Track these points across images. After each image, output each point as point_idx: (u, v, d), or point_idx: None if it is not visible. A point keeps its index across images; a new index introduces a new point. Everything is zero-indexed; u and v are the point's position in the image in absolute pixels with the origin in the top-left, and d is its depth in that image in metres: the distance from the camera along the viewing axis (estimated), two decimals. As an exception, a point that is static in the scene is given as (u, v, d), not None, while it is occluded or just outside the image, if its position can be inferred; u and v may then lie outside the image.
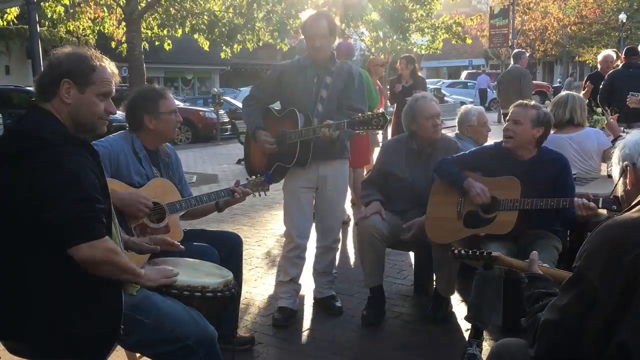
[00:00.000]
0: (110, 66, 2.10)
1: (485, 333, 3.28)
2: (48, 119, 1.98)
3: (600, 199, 2.85)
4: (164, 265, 2.35)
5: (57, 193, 1.85)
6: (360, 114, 3.38)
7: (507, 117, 3.34)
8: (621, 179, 1.78)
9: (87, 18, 11.11)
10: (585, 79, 7.98)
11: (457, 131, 4.68)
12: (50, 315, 1.92)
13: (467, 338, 3.44)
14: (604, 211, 3.07)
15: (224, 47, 11.15)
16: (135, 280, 2.10)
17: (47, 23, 10.79)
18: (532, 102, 3.39)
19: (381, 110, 3.66)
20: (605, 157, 4.16)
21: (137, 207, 2.83)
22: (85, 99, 2.02)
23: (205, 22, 10.95)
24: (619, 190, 1.81)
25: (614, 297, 1.48)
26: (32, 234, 1.89)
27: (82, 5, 11.00)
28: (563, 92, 4.43)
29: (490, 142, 3.69)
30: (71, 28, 11.12)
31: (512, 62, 9.45)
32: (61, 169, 1.87)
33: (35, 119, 1.98)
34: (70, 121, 2.02)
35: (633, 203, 1.65)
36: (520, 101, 3.41)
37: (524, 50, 10.37)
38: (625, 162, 1.76)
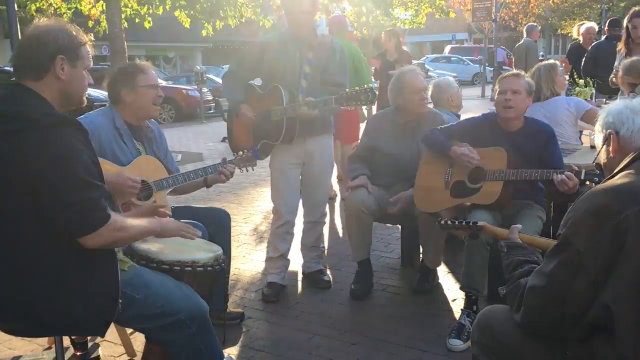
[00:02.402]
0: (88, 39, 2.10)
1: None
2: (35, 98, 1.95)
3: (583, 170, 2.89)
4: (154, 239, 2.37)
5: (53, 184, 1.84)
6: (348, 90, 3.37)
7: (501, 88, 3.35)
8: (604, 146, 1.81)
9: None
10: (567, 53, 8.07)
11: (434, 106, 4.61)
12: (49, 294, 1.92)
13: (453, 308, 3.51)
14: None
15: (205, 24, 11.02)
16: (157, 235, 2.23)
17: (20, 2, 10.55)
18: (520, 72, 3.47)
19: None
20: (588, 119, 4.10)
21: (125, 188, 2.80)
22: (77, 74, 2.03)
23: (186, -2, 10.81)
24: (602, 158, 1.84)
25: (599, 262, 1.53)
26: (27, 215, 1.88)
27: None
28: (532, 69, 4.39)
29: (477, 114, 3.72)
30: (44, 6, 10.90)
31: (524, 36, 9.86)
32: (53, 156, 1.84)
33: (22, 99, 1.95)
34: (60, 97, 2.01)
35: (616, 170, 1.68)
36: (511, 72, 3.46)
37: (535, 24, 10.83)
38: (609, 130, 1.79)
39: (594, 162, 1.90)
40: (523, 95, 3.31)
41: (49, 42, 1.96)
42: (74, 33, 2.02)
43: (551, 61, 4.48)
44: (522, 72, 3.47)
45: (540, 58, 10.72)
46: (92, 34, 2.15)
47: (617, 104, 1.82)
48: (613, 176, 1.66)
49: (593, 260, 1.53)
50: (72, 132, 1.92)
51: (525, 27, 10.21)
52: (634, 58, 4.77)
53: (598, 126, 1.85)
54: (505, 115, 3.33)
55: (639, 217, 1.49)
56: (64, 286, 1.93)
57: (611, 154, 1.79)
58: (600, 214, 1.54)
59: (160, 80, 3.46)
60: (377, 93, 3.74)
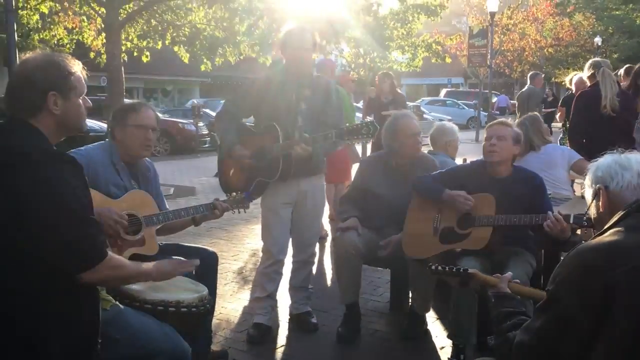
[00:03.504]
0: (78, 65, 2.07)
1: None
2: (31, 132, 1.93)
3: (572, 215, 2.88)
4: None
5: (50, 222, 1.81)
6: (348, 124, 3.39)
7: (487, 135, 3.40)
8: (594, 201, 1.81)
9: (62, 27, 11.04)
10: (560, 102, 8.22)
11: (432, 146, 4.68)
12: (25, 331, 1.86)
13: (441, 356, 3.45)
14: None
15: (204, 60, 11.15)
16: (148, 279, 2.17)
17: (22, 32, 10.68)
18: (510, 121, 3.54)
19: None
20: (578, 169, 4.22)
21: (108, 223, 2.74)
22: (71, 105, 2.00)
23: (186, 34, 10.95)
24: (592, 213, 1.84)
25: (587, 321, 1.50)
26: (9, 250, 1.84)
27: (60, 14, 10.93)
28: (517, 121, 4.46)
29: (468, 160, 3.75)
30: (47, 37, 11.03)
31: (528, 83, 10.22)
32: (49, 192, 1.82)
33: (17, 133, 1.93)
34: (57, 129, 1.99)
35: (605, 227, 1.67)
36: (499, 120, 3.53)
37: (538, 72, 11.33)
38: (598, 185, 1.79)
39: (584, 217, 1.89)
40: (509, 142, 3.35)
41: (37, 80, 1.94)
42: (62, 64, 1.99)
43: (531, 114, 4.67)
44: (510, 121, 3.54)
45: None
46: (86, 67, 2.13)
47: (606, 158, 1.82)
48: (602, 233, 1.65)
49: (581, 319, 1.50)
50: (67, 168, 1.90)
51: (529, 75, 10.65)
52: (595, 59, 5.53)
53: (588, 180, 1.85)
54: (491, 159, 3.36)
55: (628, 277, 1.47)
56: (41, 324, 1.87)
57: (601, 209, 1.78)
58: (588, 272, 1.52)
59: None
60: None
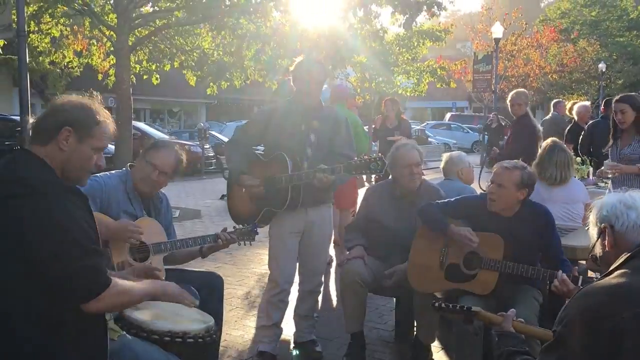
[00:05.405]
0: (111, 122, 2.12)
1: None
2: (38, 164, 1.97)
3: (581, 277, 2.81)
4: (146, 307, 2.35)
5: (54, 253, 1.84)
6: (356, 158, 3.41)
7: (492, 177, 3.30)
8: (599, 240, 1.82)
9: (72, 50, 11.20)
10: (565, 134, 8.11)
11: (444, 177, 4.71)
12: None
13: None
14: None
15: (211, 84, 11.26)
16: (157, 298, 2.20)
17: (33, 54, 10.85)
18: (517, 163, 3.31)
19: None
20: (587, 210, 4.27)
21: (126, 234, 2.82)
22: (81, 150, 2.02)
23: (195, 59, 11.08)
24: (598, 251, 1.84)
25: None
26: (17, 281, 1.87)
27: (69, 37, 11.10)
28: (550, 143, 4.37)
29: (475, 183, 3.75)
30: (57, 60, 11.18)
31: (552, 110, 10.36)
32: (52, 224, 1.85)
33: (23, 164, 1.97)
34: (59, 168, 2.01)
35: (612, 267, 1.68)
36: (507, 163, 3.32)
37: (561, 100, 11.45)
38: (604, 224, 1.80)
39: (589, 254, 1.90)
40: (510, 190, 3.18)
41: (61, 112, 2.02)
42: (92, 110, 2.05)
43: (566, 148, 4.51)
44: (519, 165, 3.28)
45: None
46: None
47: (610, 197, 1.84)
48: (609, 274, 1.66)
49: None
50: (71, 199, 1.93)
51: (553, 103, 10.69)
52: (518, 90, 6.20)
53: (592, 218, 1.85)
54: (489, 207, 3.28)
55: (637, 320, 1.47)
56: (47, 354, 1.89)
57: (607, 248, 1.79)
58: (595, 315, 1.52)
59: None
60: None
